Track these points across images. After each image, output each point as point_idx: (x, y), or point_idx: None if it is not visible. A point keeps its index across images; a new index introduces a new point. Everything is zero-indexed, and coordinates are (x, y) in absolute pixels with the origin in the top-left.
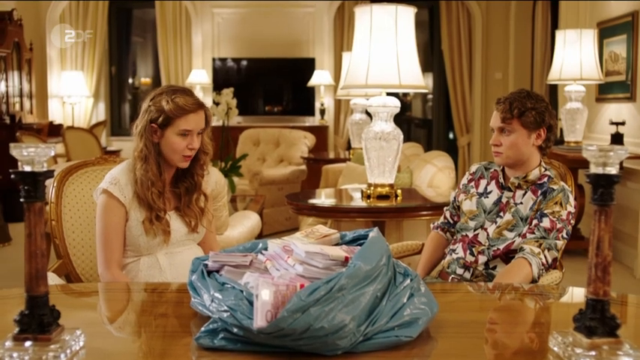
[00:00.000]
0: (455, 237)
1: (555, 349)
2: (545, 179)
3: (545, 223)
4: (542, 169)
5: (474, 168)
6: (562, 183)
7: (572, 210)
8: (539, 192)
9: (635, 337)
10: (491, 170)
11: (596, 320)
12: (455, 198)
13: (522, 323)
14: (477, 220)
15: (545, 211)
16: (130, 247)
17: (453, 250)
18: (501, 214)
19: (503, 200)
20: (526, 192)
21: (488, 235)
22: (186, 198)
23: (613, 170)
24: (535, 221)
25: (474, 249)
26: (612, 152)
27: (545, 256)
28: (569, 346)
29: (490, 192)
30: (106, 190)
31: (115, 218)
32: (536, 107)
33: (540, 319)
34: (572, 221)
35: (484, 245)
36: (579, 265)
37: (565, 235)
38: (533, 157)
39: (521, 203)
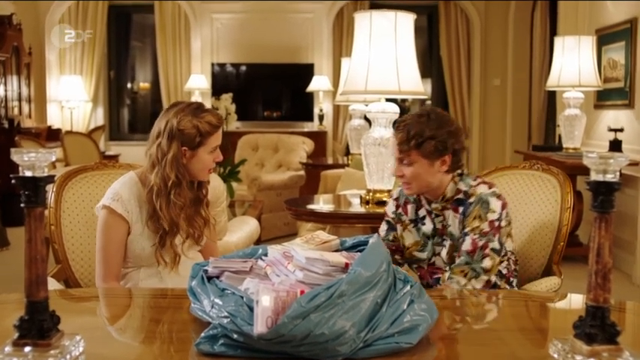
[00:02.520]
0: (405, 263)
1: (555, 355)
2: (461, 194)
3: (467, 245)
4: (455, 184)
5: (395, 194)
6: (479, 191)
7: (496, 216)
8: (460, 209)
9: (634, 344)
10: None
11: (596, 327)
12: (390, 223)
13: (522, 330)
14: (426, 250)
15: (466, 230)
16: (131, 258)
17: (422, 279)
18: (444, 238)
19: (439, 226)
20: (450, 211)
21: (443, 259)
22: (192, 209)
23: (613, 177)
24: (461, 243)
25: (437, 275)
26: (612, 159)
27: (473, 286)
28: (568, 353)
29: (423, 218)
30: (108, 206)
31: (117, 234)
32: (435, 135)
33: (540, 326)
34: (503, 223)
35: (445, 268)
36: (578, 272)
37: (495, 246)
38: (444, 180)
39: (451, 225)
